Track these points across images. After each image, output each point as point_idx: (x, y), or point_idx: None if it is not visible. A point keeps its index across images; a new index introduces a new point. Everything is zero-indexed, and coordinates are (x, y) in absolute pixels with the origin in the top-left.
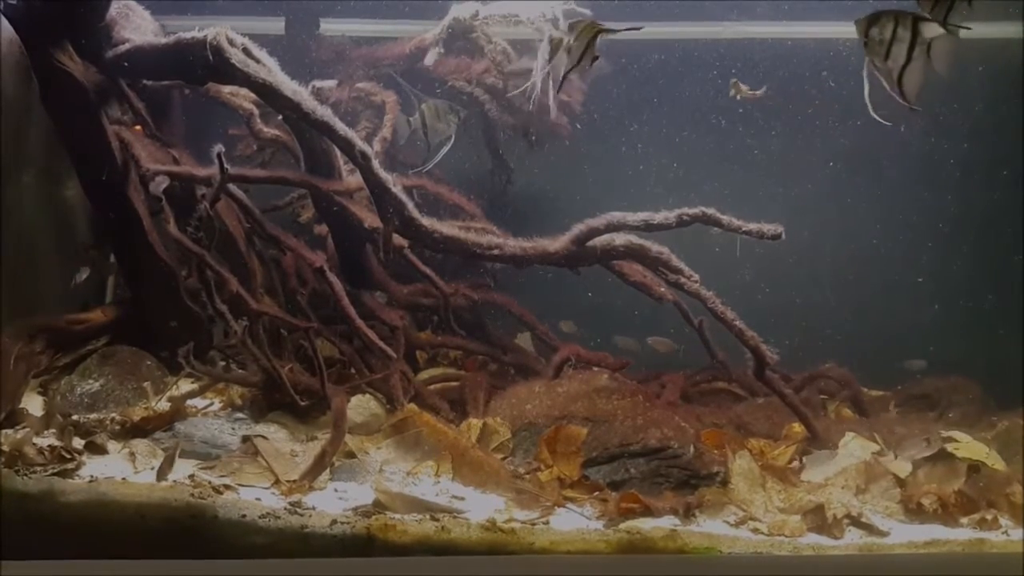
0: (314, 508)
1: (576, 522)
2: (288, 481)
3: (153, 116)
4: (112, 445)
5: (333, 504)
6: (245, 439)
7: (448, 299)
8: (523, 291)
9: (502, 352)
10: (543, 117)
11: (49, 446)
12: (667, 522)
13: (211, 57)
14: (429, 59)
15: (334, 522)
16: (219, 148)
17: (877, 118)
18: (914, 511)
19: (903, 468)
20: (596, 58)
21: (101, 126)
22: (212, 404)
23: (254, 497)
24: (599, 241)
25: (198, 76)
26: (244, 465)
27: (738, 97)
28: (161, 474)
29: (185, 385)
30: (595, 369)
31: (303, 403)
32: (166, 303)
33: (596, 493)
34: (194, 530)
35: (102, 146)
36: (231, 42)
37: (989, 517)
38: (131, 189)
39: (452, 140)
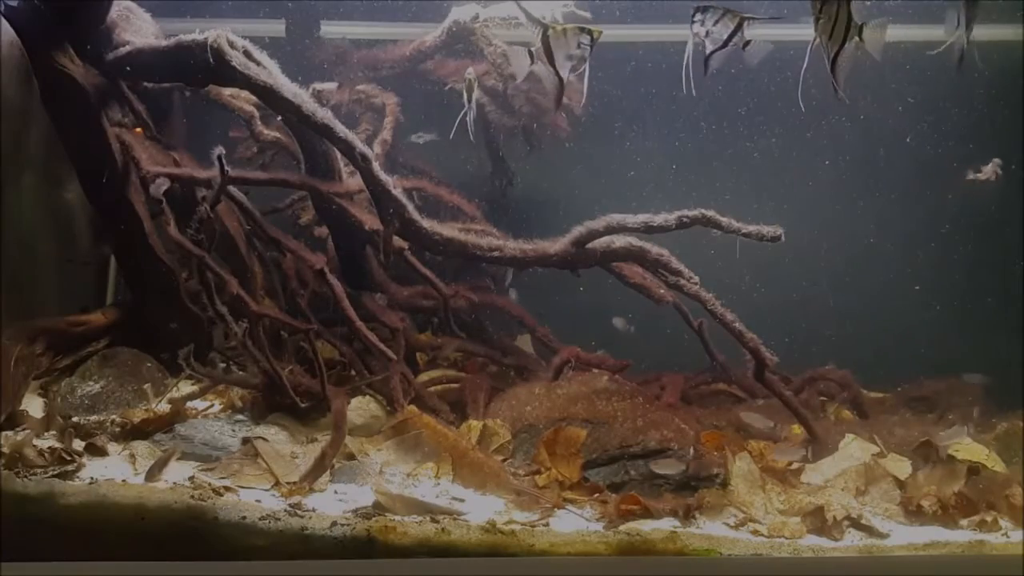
0: (314, 510)
1: (576, 524)
2: (288, 483)
3: (154, 118)
4: (112, 447)
5: (333, 506)
6: (245, 441)
7: (448, 301)
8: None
9: (502, 354)
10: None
11: (49, 448)
12: (667, 524)
13: (212, 59)
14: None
15: (334, 524)
16: (219, 150)
17: (801, 103)
18: (914, 513)
19: (903, 470)
20: (748, 42)
21: (102, 128)
22: (212, 406)
23: (254, 499)
24: (599, 243)
25: (199, 78)
26: (244, 467)
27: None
28: (150, 475)
29: (185, 387)
30: (595, 371)
31: (303, 405)
32: (166, 305)
33: (596, 495)
34: (194, 532)
35: (103, 148)
36: (231, 44)
37: (989, 519)
38: (131, 191)
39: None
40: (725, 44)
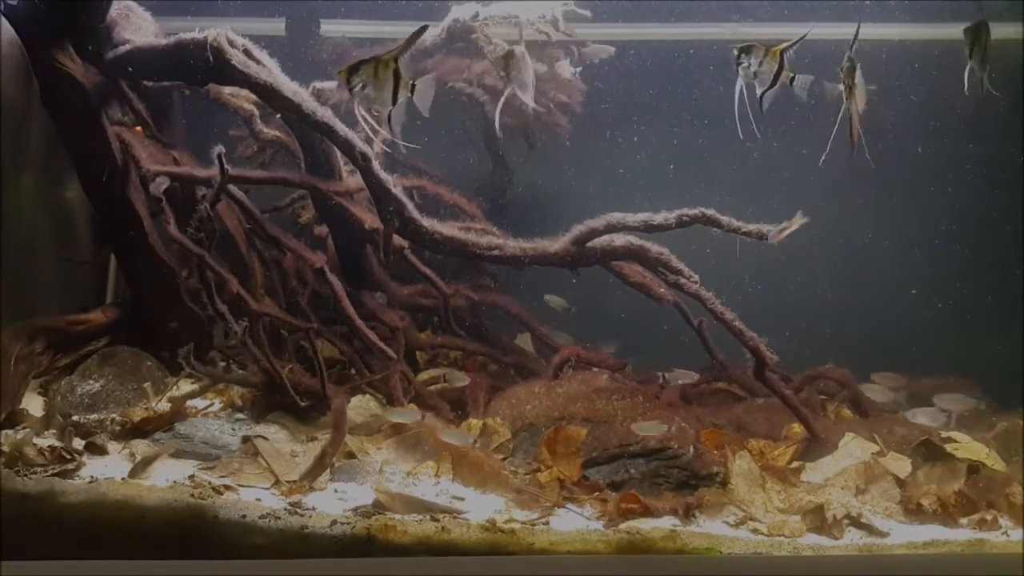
0: (314, 508)
1: (576, 522)
2: (288, 482)
3: (154, 117)
4: (112, 446)
5: (333, 505)
6: (245, 440)
7: (448, 300)
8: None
9: (502, 353)
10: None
11: (49, 447)
12: (667, 522)
13: (211, 58)
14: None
15: (334, 522)
16: (219, 149)
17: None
18: (914, 512)
19: (903, 468)
20: (793, 77)
21: (102, 127)
22: (212, 405)
23: (254, 498)
24: (599, 242)
25: (199, 77)
26: (244, 466)
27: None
28: (134, 473)
29: (185, 386)
30: (594, 370)
31: (303, 404)
32: (166, 304)
33: (596, 494)
34: (194, 530)
35: (102, 147)
36: (231, 43)
37: (989, 518)
38: (131, 190)
39: None
40: (774, 82)
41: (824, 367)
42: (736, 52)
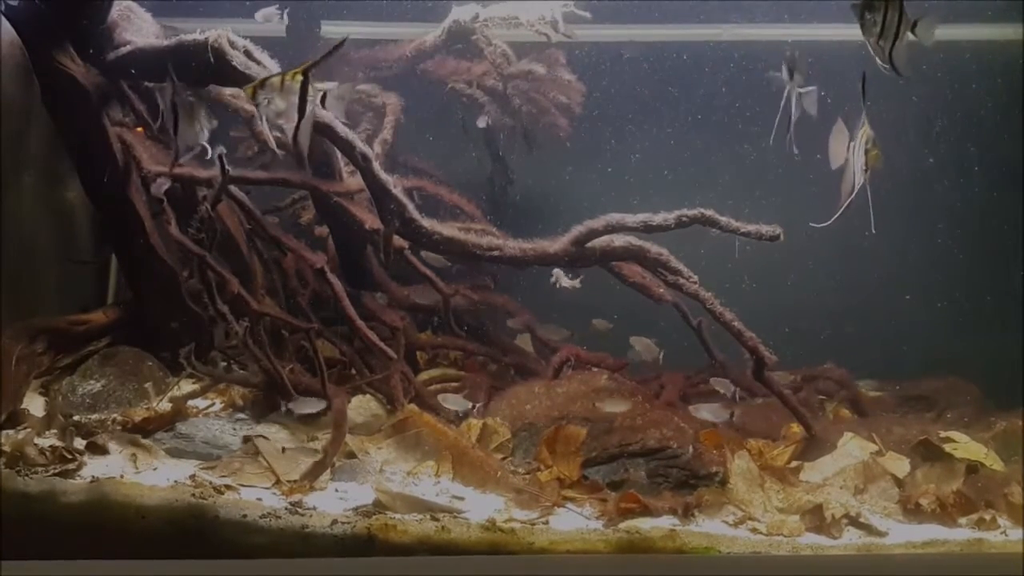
0: (315, 508)
1: (576, 522)
2: (289, 481)
3: (154, 118)
4: (113, 445)
5: (334, 504)
6: (246, 439)
7: (448, 300)
8: None
9: (502, 353)
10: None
11: (50, 446)
12: (666, 522)
13: (212, 59)
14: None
15: (335, 522)
16: (220, 150)
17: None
18: (913, 511)
19: (901, 468)
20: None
21: (102, 128)
22: (213, 405)
23: (255, 497)
24: (598, 242)
25: (199, 78)
26: (245, 465)
27: None
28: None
29: (186, 386)
30: (594, 370)
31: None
32: (167, 304)
33: (595, 493)
34: (195, 530)
35: (103, 147)
36: (232, 44)
37: (987, 517)
38: (132, 190)
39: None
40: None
41: (823, 367)
42: (787, 68)
